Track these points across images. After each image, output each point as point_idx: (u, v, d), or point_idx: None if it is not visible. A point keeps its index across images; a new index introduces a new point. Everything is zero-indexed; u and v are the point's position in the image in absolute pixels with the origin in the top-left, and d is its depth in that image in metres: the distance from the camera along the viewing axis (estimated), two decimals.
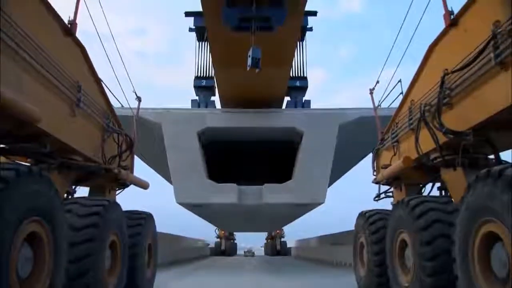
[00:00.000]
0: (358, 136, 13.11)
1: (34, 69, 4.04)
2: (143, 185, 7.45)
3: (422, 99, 5.58)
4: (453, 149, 4.95)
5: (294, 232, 42.03)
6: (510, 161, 4.91)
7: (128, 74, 8.14)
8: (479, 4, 4.48)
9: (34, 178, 3.30)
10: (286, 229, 38.75)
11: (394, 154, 6.71)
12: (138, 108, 8.74)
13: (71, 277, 4.06)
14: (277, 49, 10.47)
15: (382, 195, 7.71)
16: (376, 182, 7.39)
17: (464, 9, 4.76)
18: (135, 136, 7.69)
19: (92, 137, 5.69)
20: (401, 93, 6.80)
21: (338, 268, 14.80)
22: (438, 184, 6.11)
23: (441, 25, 5.24)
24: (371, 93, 8.37)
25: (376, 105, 8.37)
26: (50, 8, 4.54)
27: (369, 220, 6.61)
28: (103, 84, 6.21)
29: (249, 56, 8.17)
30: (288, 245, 40.14)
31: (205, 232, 37.43)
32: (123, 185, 6.91)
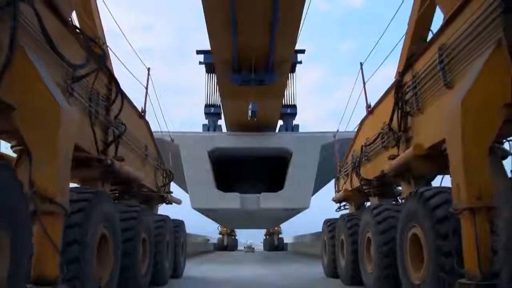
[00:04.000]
0: (344, 148, 16.49)
1: (131, 147, 7.40)
2: (178, 202, 10.85)
3: (356, 151, 8.97)
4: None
5: (291, 229, 45.44)
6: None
7: (162, 112, 11.43)
8: (379, 108, 7.85)
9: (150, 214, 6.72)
10: (285, 226, 42.23)
11: (345, 183, 10.10)
12: (173, 149, 12.09)
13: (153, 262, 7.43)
14: (271, 90, 13.84)
15: (342, 208, 11.10)
16: (334, 200, 10.83)
17: (375, 106, 8.15)
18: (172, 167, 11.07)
19: (151, 175, 9.04)
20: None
21: None
22: None
23: None
24: (334, 136, 11.78)
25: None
26: (135, 108, 7.89)
27: (329, 227, 10.00)
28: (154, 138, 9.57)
29: (250, 109, 11.57)
30: (285, 241, 43.56)
31: (202, 228, 40.58)
32: (166, 203, 10.28)
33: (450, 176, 4.20)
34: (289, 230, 44.21)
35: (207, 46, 12.55)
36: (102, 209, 4.73)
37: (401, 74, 6.41)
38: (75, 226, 4.03)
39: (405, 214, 5.20)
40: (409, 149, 5.58)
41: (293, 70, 18.06)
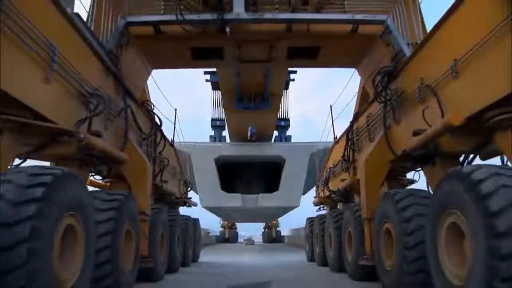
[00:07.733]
0: (323, 160, 19.70)
1: (167, 169, 10.54)
2: (195, 205, 14.04)
3: (328, 169, 12.16)
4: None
5: (291, 222, 48.87)
6: None
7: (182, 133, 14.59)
8: (342, 140, 11.01)
9: (180, 217, 9.92)
10: (283, 219, 45.57)
11: (321, 190, 13.31)
12: (187, 167, 15.27)
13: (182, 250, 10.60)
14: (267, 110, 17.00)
15: (321, 208, 14.34)
16: (313, 203, 14.06)
17: (340, 137, 11.31)
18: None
19: (176, 185, 12.18)
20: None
21: None
22: None
23: None
24: (315, 161, 14.99)
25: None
26: (167, 139, 11.03)
27: (309, 223, 13.22)
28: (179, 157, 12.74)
29: (249, 131, 14.75)
30: (282, 234, 46.89)
31: (203, 222, 43.85)
32: (187, 206, 13.43)
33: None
34: (289, 223, 47.68)
35: None
36: (162, 218, 7.94)
37: (351, 123, 9.57)
38: (152, 228, 7.22)
39: (345, 219, 8.40)
40: (348, 178, 8.77)
41: (286, 87, 21.11)
